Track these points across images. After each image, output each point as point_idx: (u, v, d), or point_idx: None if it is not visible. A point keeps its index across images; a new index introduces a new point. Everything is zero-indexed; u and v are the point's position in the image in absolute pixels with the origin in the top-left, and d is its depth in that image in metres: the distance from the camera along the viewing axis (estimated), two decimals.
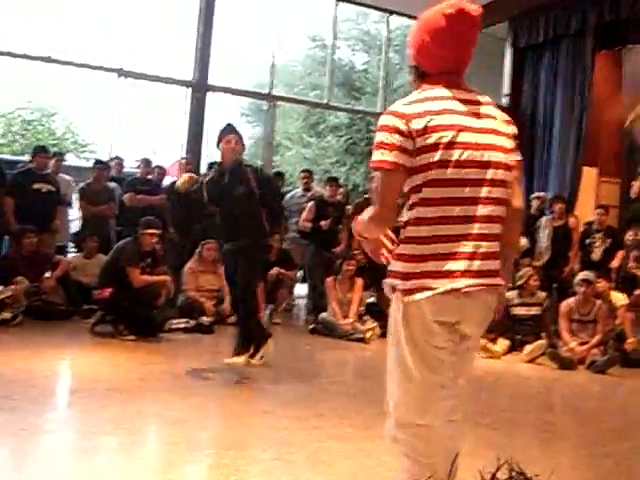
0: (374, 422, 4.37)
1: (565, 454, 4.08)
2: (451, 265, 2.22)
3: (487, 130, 2.31)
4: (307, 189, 9.81)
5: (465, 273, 2.23)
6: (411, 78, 2.42)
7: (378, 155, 2.23)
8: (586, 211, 10.54)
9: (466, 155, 2.23)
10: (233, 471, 3.29)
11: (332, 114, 19.23)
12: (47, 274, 7.74)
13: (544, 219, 9.43)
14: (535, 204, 9.94)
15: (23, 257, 7.55)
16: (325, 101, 13.20)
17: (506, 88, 12.18)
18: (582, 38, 11.06)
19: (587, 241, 9.23)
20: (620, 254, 9.07)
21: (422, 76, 2.38)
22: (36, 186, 8.12)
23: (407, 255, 2.27)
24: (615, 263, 9.05)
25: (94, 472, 3.19)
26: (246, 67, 17.58)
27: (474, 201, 2.25)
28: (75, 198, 9.09)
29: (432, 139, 2.21)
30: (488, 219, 2.28)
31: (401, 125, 2.21)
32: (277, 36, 11.98)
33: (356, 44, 20.22)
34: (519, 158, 2.41)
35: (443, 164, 2.21)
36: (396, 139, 2.21)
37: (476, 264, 2.25)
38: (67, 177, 9.09)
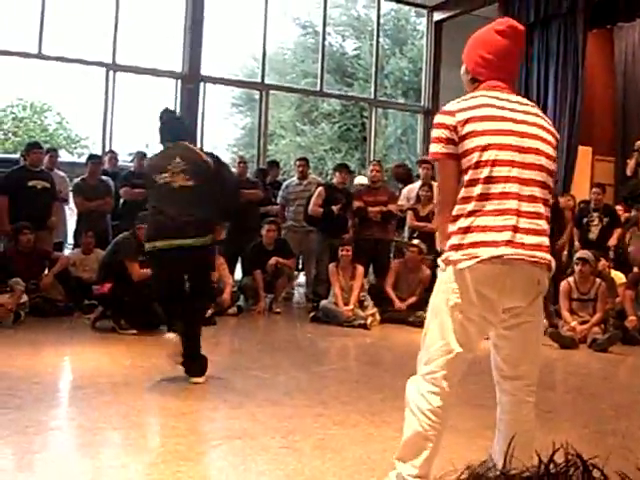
0: (378, 408, 4.40)
1: (568, 433, 4.10)
2: (495, 236, 2.46)
3: (529, 127, 2.60)
4: (303, 177, 9.79)
5: (508, 243, 2.46)
6: (468, 88, 2.76)
7: (432, 148, 2.61)
8: (581, 190, 10.57)
9: (507, 140, 2.52)
10: (241, 461, 3.31)
11: (325, 101, 19.17)
12: (45, 271, 7.75)
13: None
14: None
15: (21, 254, 7.54)
16: (317, 88, 13.17)
17: None
18: (573, 17, 11.03)
19: (584, 220, 9.25)
20: (617, 232, 9.09)
21: (477, 84, 2.71)
22: (31, 183, 8.10)
23: (456, 229, 2.54)
24: (612, 242, 9.07)
25: (101, 468, 3.19)
26: (236, 56, 17.53)
27: (516, 180, 2.50)
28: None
29: (473, 127, 2.52)
30: (531, 198, 2.52)
31: (448, 120, 2.56)
32: (267, 24, 11.92)
33: (346, 30, 20.13)
34: (555, 168, 2.68)
35: (485, 148, 2.51)
36: (444, 133, 2.56)
37: (519, 237, 2.47)
38: (61, 173, 9.07)
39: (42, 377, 4.85)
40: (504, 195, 2.48)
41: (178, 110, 10.90)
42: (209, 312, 7.68)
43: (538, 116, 2.69)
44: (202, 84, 11.13)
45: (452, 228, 2.55)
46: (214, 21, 11.93)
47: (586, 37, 11.07)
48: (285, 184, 9.97)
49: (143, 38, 14.24)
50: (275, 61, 17.78)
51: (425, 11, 13.41)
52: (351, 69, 19.57)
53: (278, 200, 9.85)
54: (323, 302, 8.13)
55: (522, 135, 2.55)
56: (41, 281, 7.64)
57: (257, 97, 12.63)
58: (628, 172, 10.29)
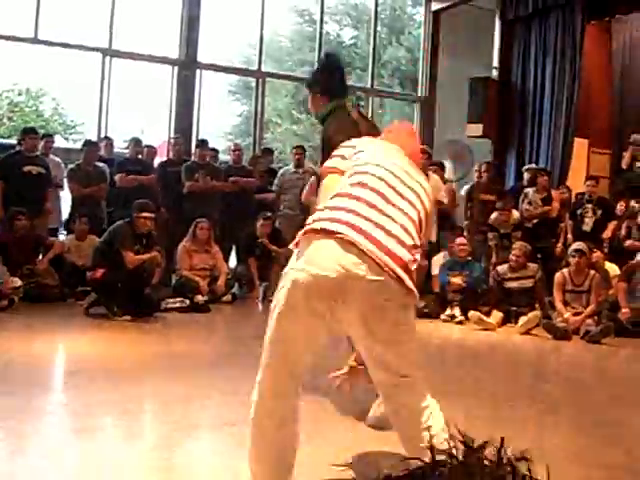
0: (372, 395, 4.39)
1: (561, 423, 4.12)
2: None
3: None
4: (299, 165, 9.78)
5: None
6: None
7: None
8: (577, 182, 10.57)
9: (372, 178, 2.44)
10: (236, 448, 3.30)
11: None
12: (40, 257, 7.74)
13: (530, 190, 9.41)
14: (527, 176, 9.96)
15: (15, 239, 7.52)
16: None
17: (495, 61, 12.14)
18: (571, 9, 11.02)
19: (578, 212, 9.26)
20: (612, 225, 9.10)
21: None
22: (26, 169, 8.07)
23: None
24: (607, 234, 9.09)
25: (95, 453, 3.19)
26: (232, 44, 17.45)
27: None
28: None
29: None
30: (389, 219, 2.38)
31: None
32: (264, 11, 11.85)
33: (343, 18, 20.06)
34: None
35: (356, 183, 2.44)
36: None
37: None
38: (57, 159, 9.02)
39: (36, 363, 4.85)
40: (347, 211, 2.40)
41: (174, 97, 10.87)
42: (203, 299, 7.71)
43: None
44: (198, 71, 11.08)
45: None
46: (211, 8, 11.85)
47: (584, 29, 11.05)
48: (281, 172, 9.96)
49: (140, 24, 14.13)
50: (272, 49, 17.72)
51: (423, 0, 13.35)
52: (348, 58, 19.50)
53: (274, 188, 9.84)
54: None
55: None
56: (35, 267, 7.62)
57: (253, 84, 12.57)
58: (623, 165, 10.30)
